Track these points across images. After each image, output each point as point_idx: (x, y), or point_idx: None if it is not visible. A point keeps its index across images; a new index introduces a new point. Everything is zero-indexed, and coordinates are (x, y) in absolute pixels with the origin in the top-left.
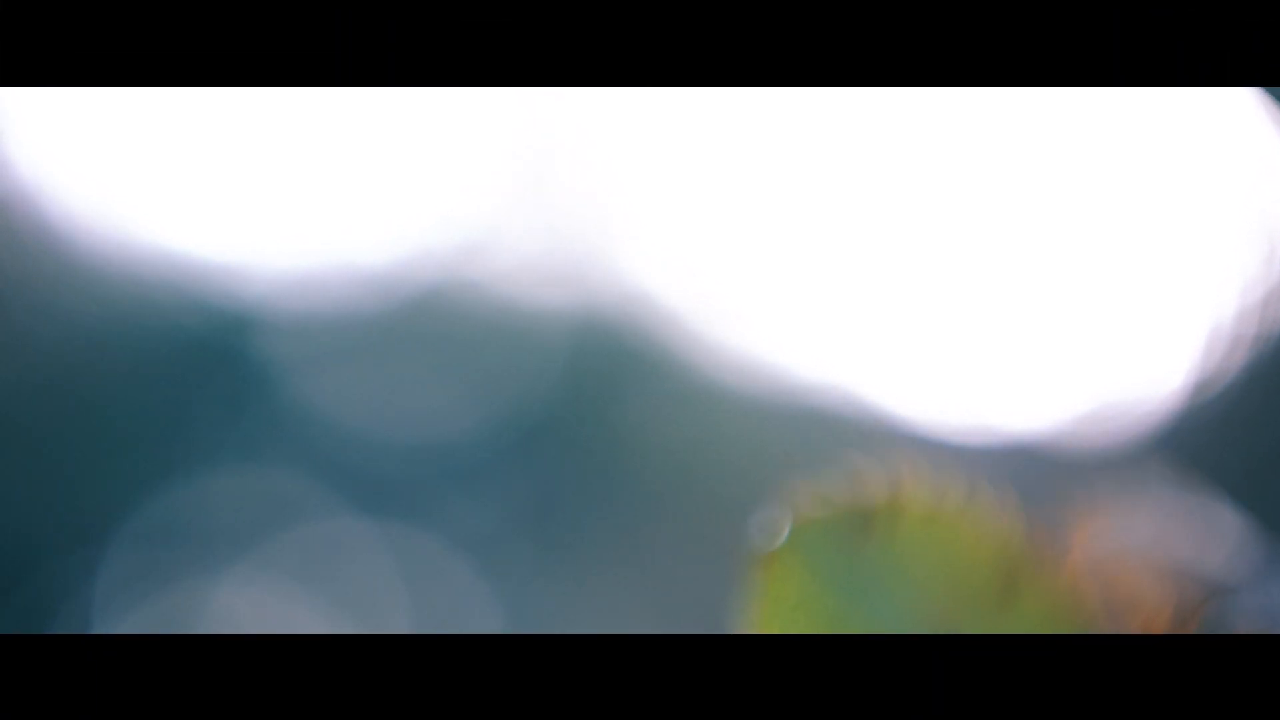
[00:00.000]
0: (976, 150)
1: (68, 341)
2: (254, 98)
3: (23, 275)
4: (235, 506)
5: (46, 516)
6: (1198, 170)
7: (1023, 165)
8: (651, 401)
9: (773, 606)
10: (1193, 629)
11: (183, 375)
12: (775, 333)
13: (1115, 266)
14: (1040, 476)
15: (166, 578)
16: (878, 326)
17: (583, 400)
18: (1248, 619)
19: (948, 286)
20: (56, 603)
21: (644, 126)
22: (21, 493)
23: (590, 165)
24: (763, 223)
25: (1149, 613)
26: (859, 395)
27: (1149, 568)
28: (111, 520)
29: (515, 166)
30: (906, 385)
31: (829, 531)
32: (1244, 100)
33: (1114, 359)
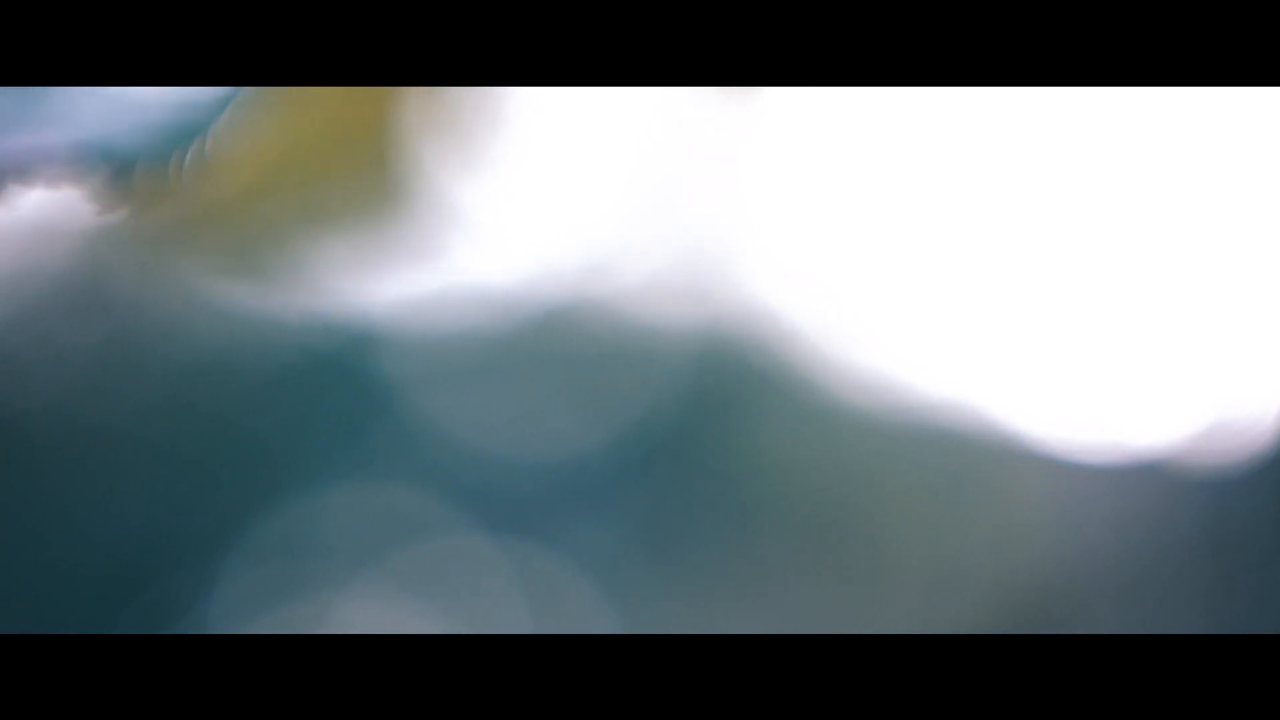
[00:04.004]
0: (1101, 166)
1: (194, 360)
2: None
3: (148, 295)
4: (357, 523)
5: (171, 529)
6: None
7: (1145, 180)
8: (776, 420)
9: None
10: None
11: (307, 393)
12: (901, 350)
13: (1234, 278)
14: (1164, 493)
15: (287, 592)
16: (1005, 342)
17: (707, 419)
18: None
19: (1071, 302)
20: (178, 614)
21: (768, 140)
22: (147, 507)
23: (715, 182)
24: (890, 239)
25: None
26: (986, 413)
27: None
28: (234, 535)
29: (639, 184)
30: (1033, 402)
31: None
32: None
33: (1234, 374)
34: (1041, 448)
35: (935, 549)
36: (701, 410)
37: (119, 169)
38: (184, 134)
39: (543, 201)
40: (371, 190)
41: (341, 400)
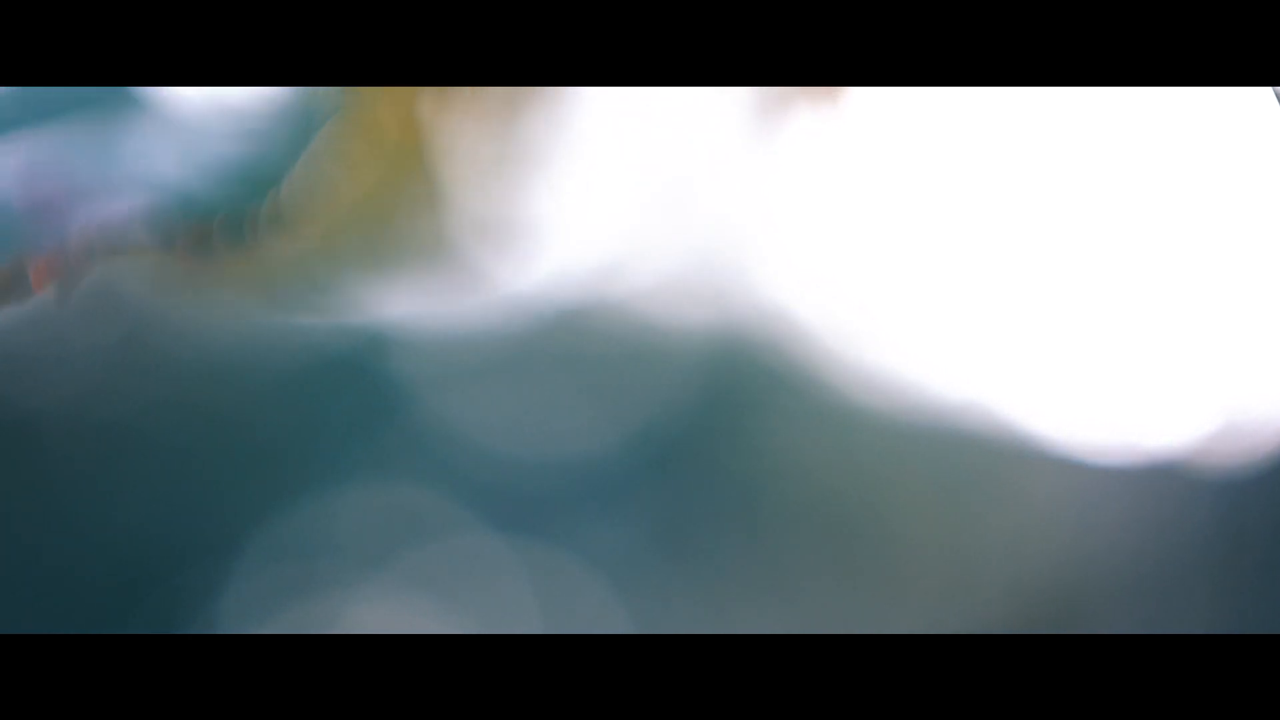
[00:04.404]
0: (1114, 168)
1: (205, 360)
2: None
3: (160, 296)
4: (370, 523)
5: (183, 529)
6: None
7: (1158, 181)
8: (790, 421)
9: None
10: None
11: (320, 393)
12: (915, 351)
13: (1246, 280)
14: (1176, 494)
15: (300, 592)
16: (1018, 343)
17: (721, 419)
18: None
19: (1084, 304)
20: (190, 614)
21: (783, 141)
22: (158, 507)
23: (729, 184)
24: (904, 240)
25: None
26: (999, 414)
27: None
28: (246, 535)
29: (653, 185)
30: (1046, 403)
31: None
32: None
33: (1246, 375)
34: (1055, 449)
35: (949, 549)
36: (715, 410)
37: (198, 225)
38: (259, 185)
39: (557, 202)
40: (414, 199)
41: (354, 400)
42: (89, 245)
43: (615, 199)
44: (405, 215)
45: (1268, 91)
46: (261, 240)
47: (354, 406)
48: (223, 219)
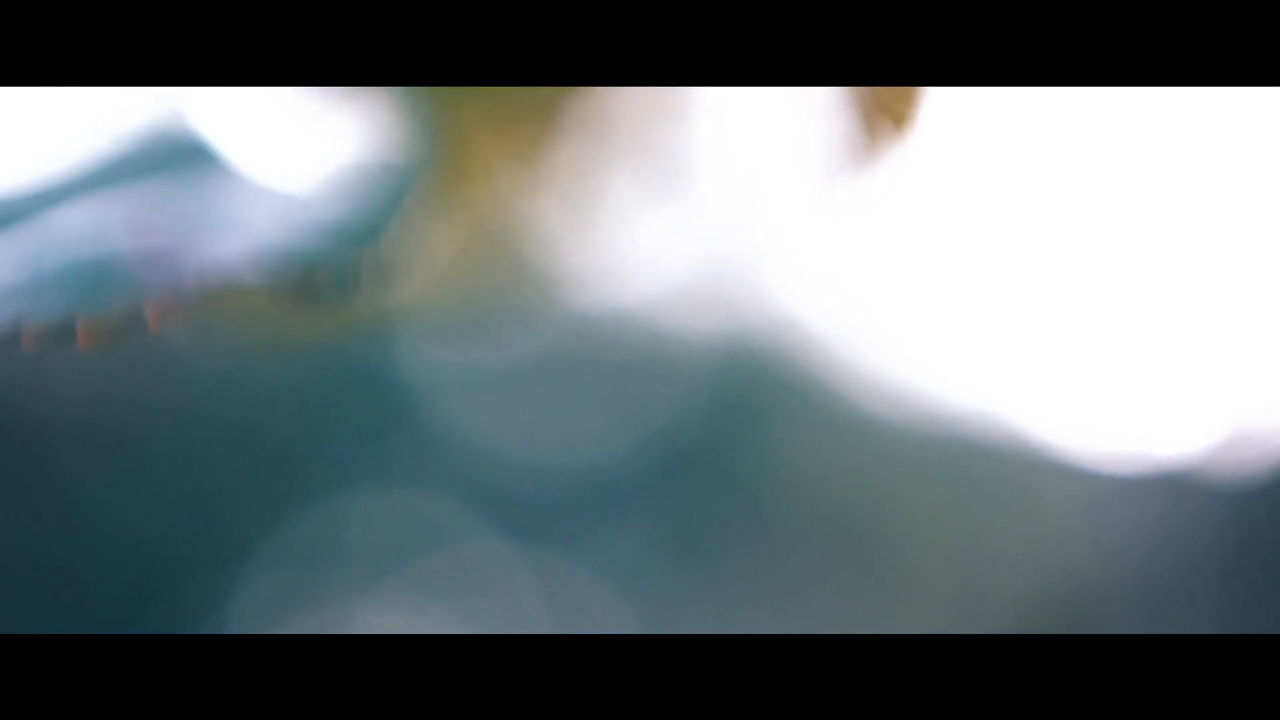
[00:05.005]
0: (1126, 177)
1: (217, 366)
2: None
3: (175, 300)
4: (380, 529)
5: (194, 534)
6: None
7: (1167, 190)
8: (799, 428)
9: None
10: None
11: (330, 399)
12: (925, 359)
13: (1256, 289)
14: (1185, 503)
15: (310, 597)
16: (1028, 352)
17: (730, 426)
18: None
19: (1095, 313)
20: (200, 618)
21: (793, 147)
22: (170, 511)
23: (738, 190)
24: (914, 247)
25: None
26: (1008, 422)
27: None
28: (257, 540)
29: (662, 190)
30: (1056, 412)
31: None
32: None
33: (1255, 385)
34: (1064, 457)
35: (958, 557)
36: (725, 417)
37: (302, 274)
38: (361, 238)
39: (566, 207)
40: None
41: (364, 406)
42: (202, 286)
43: (625, 205)
44: (478, 269)
45: (1260, 92)
46: (363, 292)
47: (364, 412)
48: (327, 268)
